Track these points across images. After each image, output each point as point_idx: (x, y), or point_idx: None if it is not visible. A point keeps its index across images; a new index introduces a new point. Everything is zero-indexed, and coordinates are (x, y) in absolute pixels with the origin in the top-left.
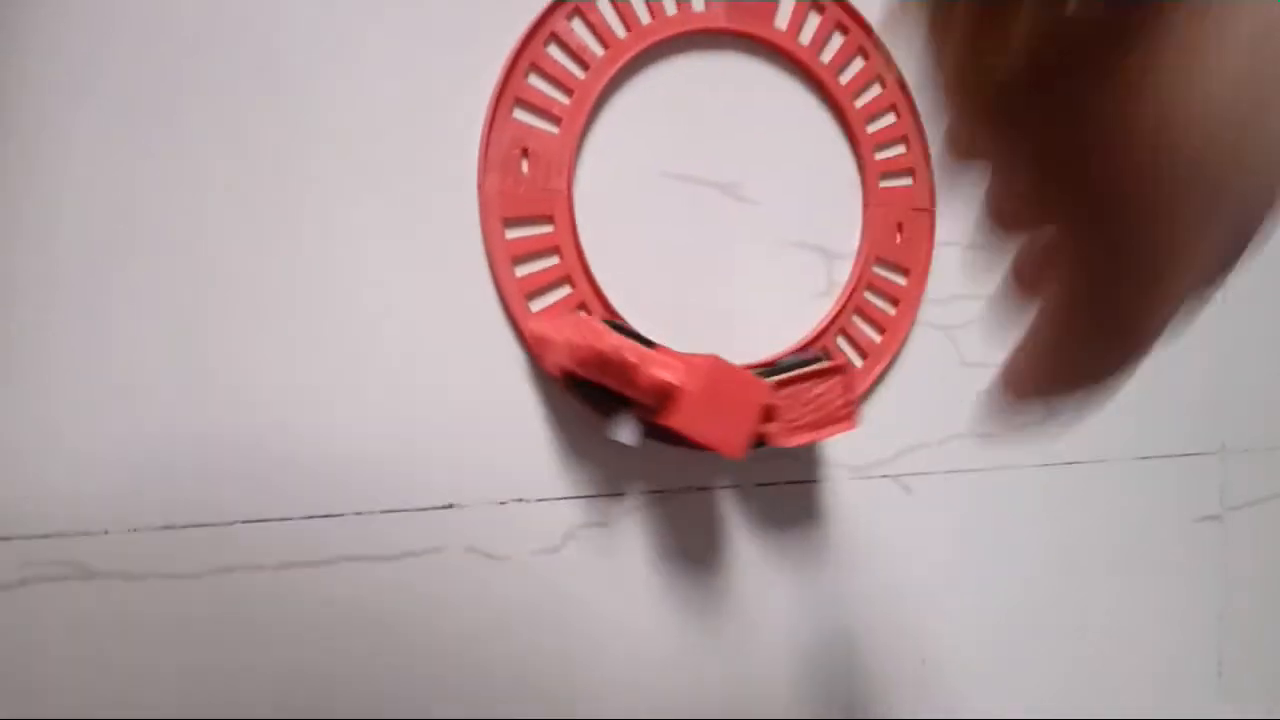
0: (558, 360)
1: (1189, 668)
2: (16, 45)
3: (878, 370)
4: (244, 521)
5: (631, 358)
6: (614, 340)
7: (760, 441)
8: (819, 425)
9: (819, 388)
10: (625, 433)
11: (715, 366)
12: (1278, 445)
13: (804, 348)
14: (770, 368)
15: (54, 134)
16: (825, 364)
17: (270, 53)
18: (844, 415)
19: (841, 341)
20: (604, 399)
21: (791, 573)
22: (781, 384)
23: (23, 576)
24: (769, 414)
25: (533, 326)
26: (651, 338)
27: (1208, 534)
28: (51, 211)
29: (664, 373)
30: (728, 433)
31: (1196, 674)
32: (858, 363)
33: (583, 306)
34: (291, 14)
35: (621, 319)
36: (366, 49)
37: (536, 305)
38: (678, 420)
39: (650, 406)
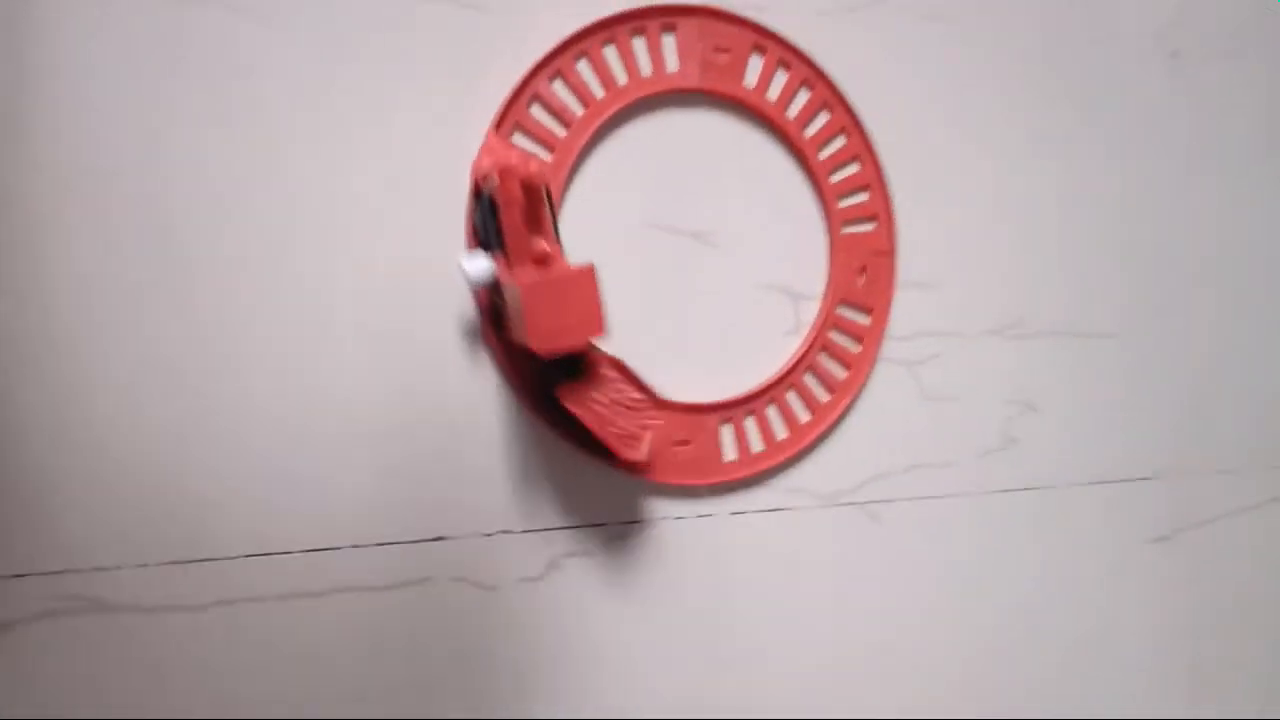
0: (489, 165)
1: (1151, 679)
2: (31, 123)
3: (844, 404)
4: (247, 555)
5: (548, 203)
6: (543, 169)
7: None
8: (608, 424)
9: (637, 395)
10: (477, 267)
11: (584, 273)
12: (1227, 469)
13: (773, 386)
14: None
15: (53, 214)
16: (654, 394)
17: (265, 137)
18: (629, 442)
19: (809, 377)
20: (488, 236)
21: (766, 595)
22: (616, 364)
23: (43, 610)
24: (586, 370)
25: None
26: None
27: (1158, 555)
28: (51, 281)
29: (547, 243)
30: (549, 326)
31: (1160, 685)
32: (824, 397)
33: None
34: (279, 98)
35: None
36: (355, 113)
37: None
38: (524, 282)
39: (512, 259)
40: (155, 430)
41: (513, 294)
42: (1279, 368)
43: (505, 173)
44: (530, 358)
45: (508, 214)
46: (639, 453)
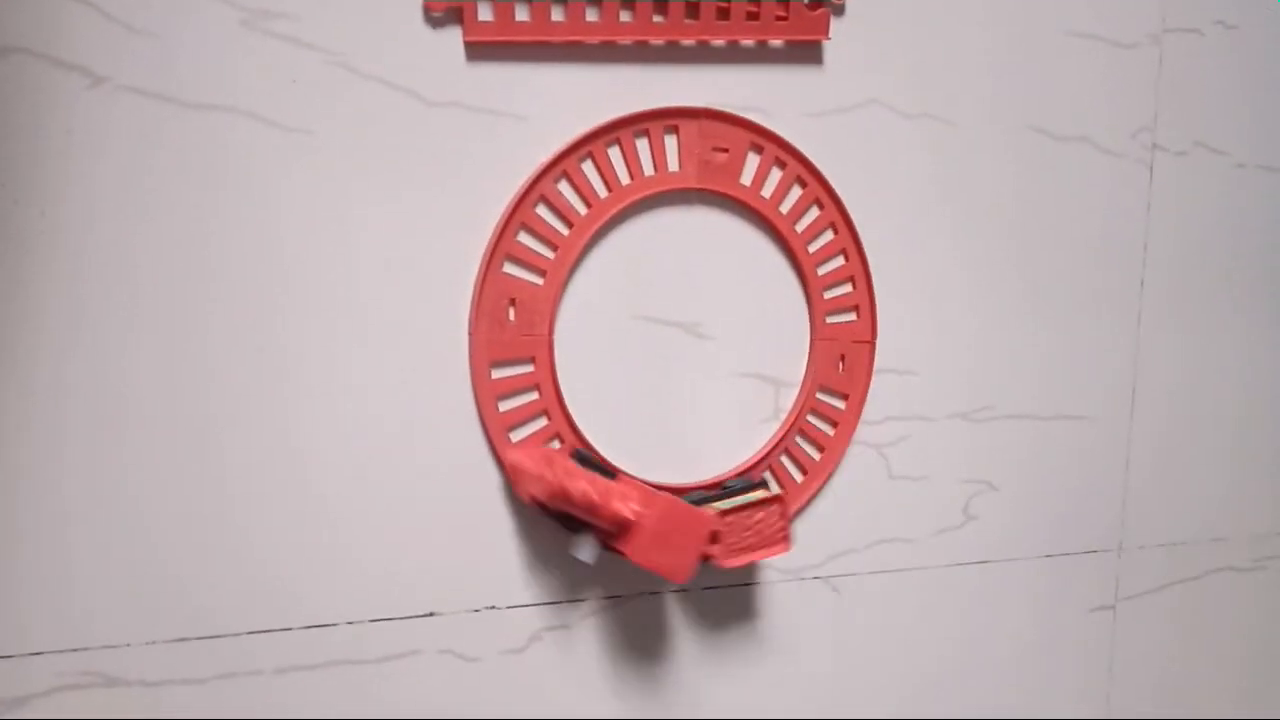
0: (530, 490)
1: None
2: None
3: (816, 485)
4: (249, 633)
5: (594, 496)
6: (580, 483)
7: (706, 560)
8: (756, 547)
9: (759, 514)
10: (586, 552)
11: (670, 505)
12: (1169, 542)
13: (749, 470)
14: (719, 489)
15: (77, 310)
16: (765, 494)
17: (274, 231)
18: (780, 538)
19: (784, 459)
20: (570, 519)
21: (733, 666)
22: (725, 512)
23: (53, 686)
24: (714, 537)
25: (511, 457)
26: (616, 462)
27: (1101, 623)
28: (69, 365)
29: (623, 508)
30: (676, 561)
31: None
32: (798, 478)
33: (558, 436)
34: (291, 193)
35: (590, 448)
36: (369, 216)
37: (516, 435)
38: (632, 550)
39: (610, 532)
40: (162, 516)
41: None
42: (1219, 452)
43: (552, 495)
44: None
45: (578, 514)
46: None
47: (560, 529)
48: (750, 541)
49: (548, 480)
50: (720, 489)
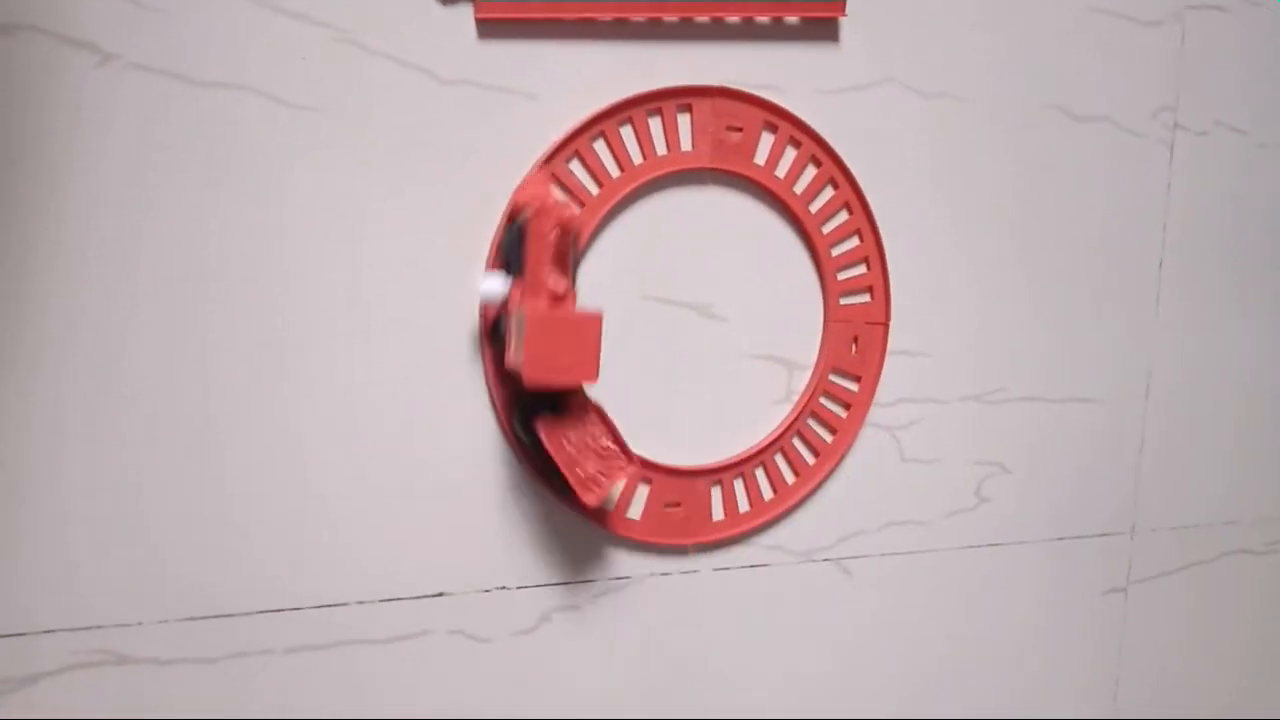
0: (528, 197)
1: None
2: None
3: (828, 467)
4: (260, 612)
5: (574, 245)
6: (577, 218)
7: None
8: (573, 464)
9: (608, 444)
10: (493, 287)
11: (592, 320)
12: (1182, 525)
13: (729, 468)
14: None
15: (78, 294)
16: (626, 449)
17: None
18: (592, 486)
19: (796, 441)
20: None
21: (744, 647)
22: (598, 411)
23: (64, 664)
24: (562, 404)
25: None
26: (626, 437)
27: (1112, 606)
28: (76, 352)
29: (564, 281)
30: (543, 358)
31: None
32: (810, 460)
33: None
34: (300, 171)
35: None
36: (378, 194)
37: None
38: (532, 311)
39: (528, 288)
40: (172, 495)
41: (519, 321)
42: (1231, 432)
43: (542, 209)
44: (518, 383)
45: (535, 247)
46: (595, 498)
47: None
48: (574, 455)
49: (550, 199)
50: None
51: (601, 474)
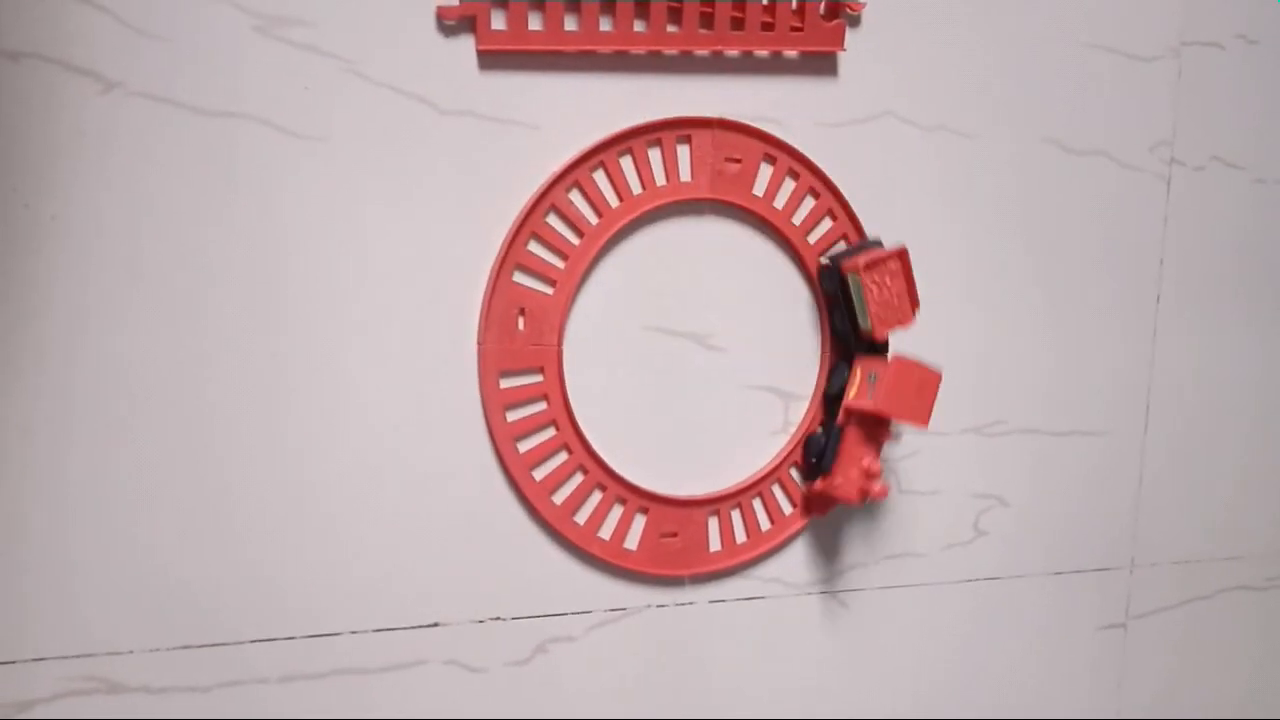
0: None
1: None
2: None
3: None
4: (252, 641)
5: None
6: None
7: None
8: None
9: (879, 285)
10: None
11: (899, 369)
12: (1181, 560)
13: (725, 499)
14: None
15: (87, 309)
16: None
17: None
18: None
19: (794, 472)
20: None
21: (740, 680)
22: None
23: (56, 692)
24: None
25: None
26: (624, 474)
27: (1111, 641)
28: (77, 373)
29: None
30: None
31: None
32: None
33: (565, 448)
34: (302, 200)
35: (598, 459)
36: (379, 224)
37: (524, 445)
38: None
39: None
40: (167, 523)
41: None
42: (1231, 466)
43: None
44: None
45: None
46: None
47: None
48: (900, 299)
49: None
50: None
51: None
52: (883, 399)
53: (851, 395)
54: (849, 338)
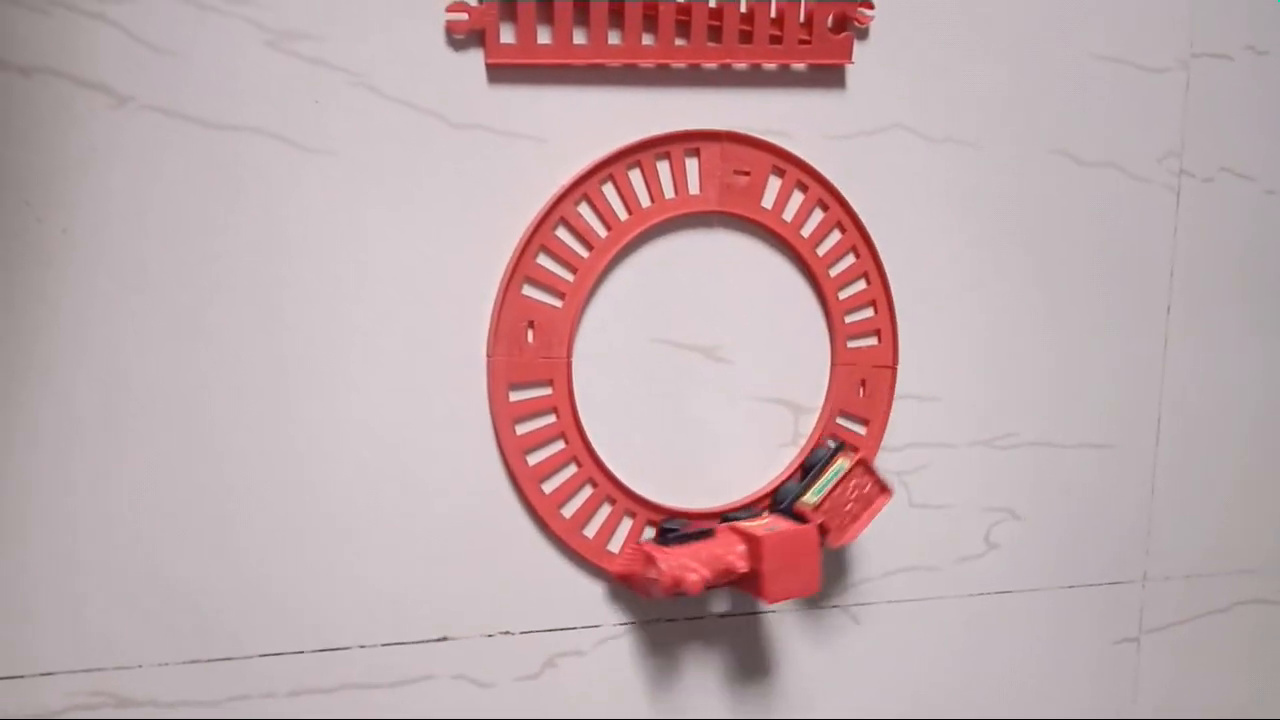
0: (652, 592)
1: None
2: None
3: None
4: (261, 655)
5: (709, 575)
6: (691, 574)
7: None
8: (863, 512)
9: (849, 484)
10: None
11: (776, 541)
12: (1195, 574)
13: (734, 510)
14: (800, 483)
15: (92, 321)
16: (844, 461)
17: (296, 246)
18: (878, 492)
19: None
20: None
21: (751, 695)
22: (821, 504)
23: (65, 706)
24: (823, 530)
25: (616, 570)
26: (632, 486)
27: (1124, 655)
28: (84, 384)
29: (737, 563)
30: (805, 579)
31: None
32: None
33: (575, 460)
34: (313, 213)
35: (677, 520)
36: (389, 237)
37: (533, 458)
38: (764, 592)
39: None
40: (175, 537)
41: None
42: (1243, 478)
43: (678, 589)
44: None
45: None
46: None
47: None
48: (854, 510)
49: (662, 580)
50: (803, 470)
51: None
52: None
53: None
54: (787, 497)
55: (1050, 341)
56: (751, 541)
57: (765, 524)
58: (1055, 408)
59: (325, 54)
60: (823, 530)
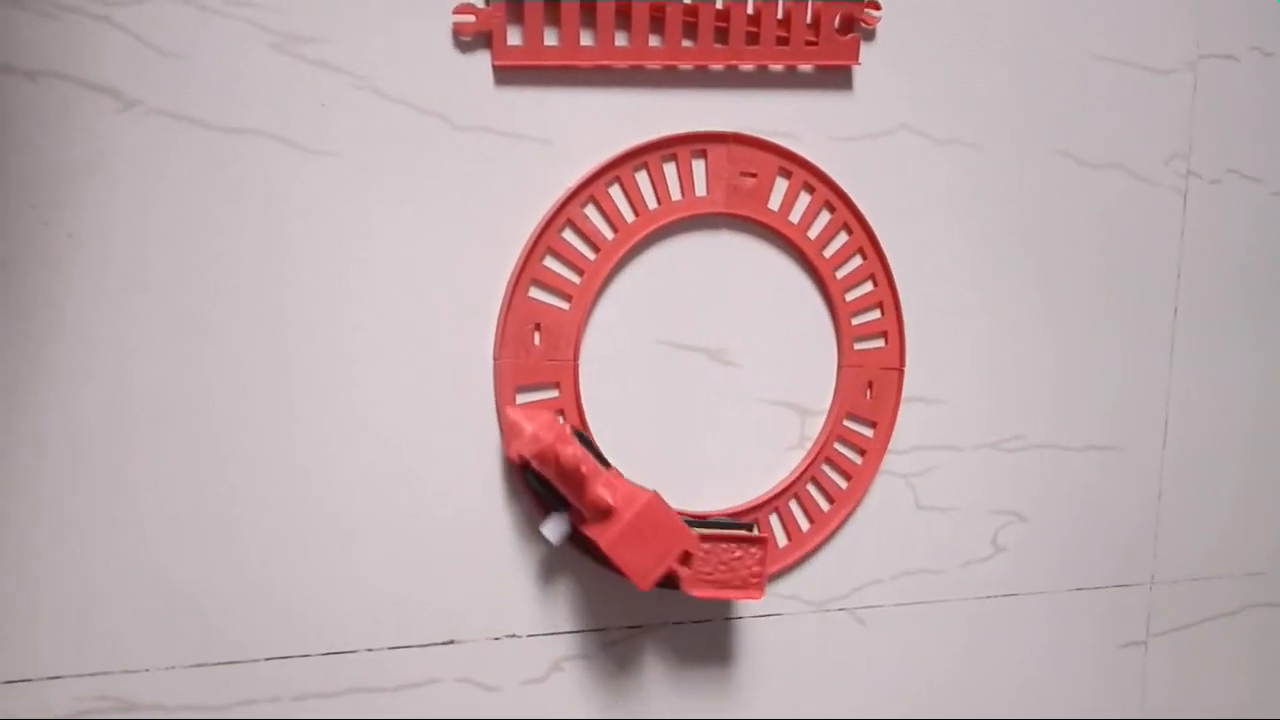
0: (521, 448)
1: None
2: (77, 244)
3: (843, 514)
4: (266, 659)
5: (584, 469)
6: (575, 450)
7: (671, 582)
8: (727, 585)
9: (737, 552)
10: (554, 530)
11: (651, 503)
12: (1202, 576)
13: (742, 514)
14: (703, 521)
15: (94, 326)
16: (750, 534)
17: (302, 249)
18: (753, 583)
19: (810, 487)
20: (550, 494)
21: (758, 698)
22: (706, 538)
23: (70, 711)
24: (686, 559)
25: (510, 413)
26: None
27: (1131, 659)
28: (87, 389)
29: (606, 493)
30: (644, 564)
31: None
32: (824, 507)
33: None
34: (318, 216)
35: (589, 433)
36: (395, 240)
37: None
38: (605, 540)
39: (586, 518)
40: (180, 540)
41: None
42: (1252, 480)
43: (541, 457)
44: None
45: (561, 486)
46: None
47: (535, 504)
48: (722, 576)
49: (542, 441)
50: (704, 521)
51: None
52: (639, 576)
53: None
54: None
55: (1057, 343)
56: (631, 492)
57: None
58: (1062, 410)
59: (330, 56)
60: (685, 558)
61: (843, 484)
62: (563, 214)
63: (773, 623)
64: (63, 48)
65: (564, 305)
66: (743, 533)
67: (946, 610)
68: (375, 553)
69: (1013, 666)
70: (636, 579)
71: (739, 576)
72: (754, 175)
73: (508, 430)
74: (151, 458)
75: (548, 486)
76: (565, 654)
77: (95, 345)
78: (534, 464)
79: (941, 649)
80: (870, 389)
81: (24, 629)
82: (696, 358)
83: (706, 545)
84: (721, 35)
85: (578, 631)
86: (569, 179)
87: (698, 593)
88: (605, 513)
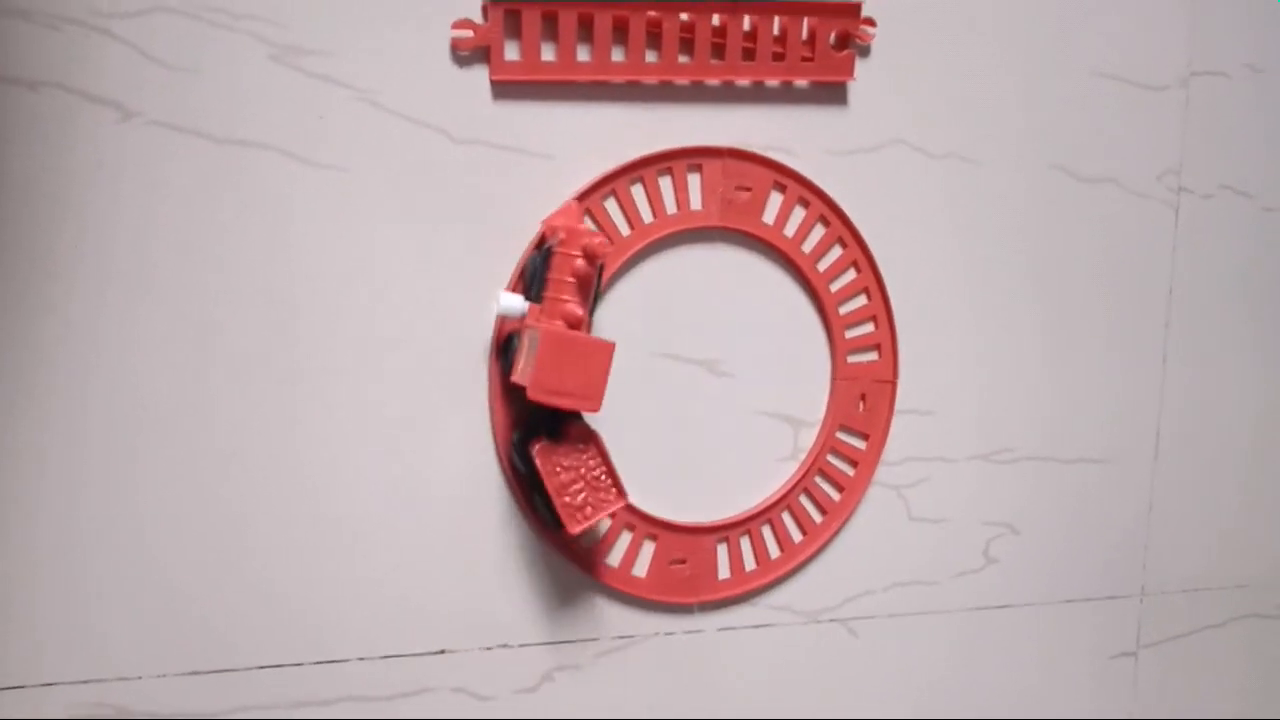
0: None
1: None
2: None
3: (836, 525)
4: (261, 667)
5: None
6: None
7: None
8: (597, 508)
9: (585, 464)
10: (511, 304)
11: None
12: (1192, 588)
13: (735, 524)
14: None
15: (98, 332)
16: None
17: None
18: (608, 485)
19: (803, 499)
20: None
21: (749, 708)
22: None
23: (66, 717)
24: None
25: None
26: (634, 498)
27: (1122, 670)
28: (89, 397)
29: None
30: (573, 388)
31: None
32: (817, 518)
33: None
34: (317, 228)
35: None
36: (393, 252)
37: None
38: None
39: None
40: (177, 549)
41: (532, 338)
42: (1241, 492)
43: (571, 234)
44: (523, 404)
45: (559, 270)
46: (580, 527)
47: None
48: (588, 499)
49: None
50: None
51: (590, 505)
52: (537, 379)
53: (517, 370)
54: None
55: (1049, 356)
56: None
57: None
58: (1054, 423)
59: (331, 69)
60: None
61: (835, 495)
62: (581, 203)
63: (765, 633)
64: (64, 59)
65: None
66: (615, 476)
67: (938, 621)
68: (371, 563)
69: (1004, 677)
70: (535, 386)
71: (579, 499)
72: (749, 189)
73: (559, 210)
74: (150, 469)
75: (531, 468)
76: (557, 664)
77: (96, 354)
78: (558, 240)
79: (933, 660)
80: (863, 401)
81: (20, 636)
82: (691, 369)
83: (591, 448)
84: (718, 51)
85: (570, 642)
86: (565, 192)
87: (540, 464)
88: (572, 320)
